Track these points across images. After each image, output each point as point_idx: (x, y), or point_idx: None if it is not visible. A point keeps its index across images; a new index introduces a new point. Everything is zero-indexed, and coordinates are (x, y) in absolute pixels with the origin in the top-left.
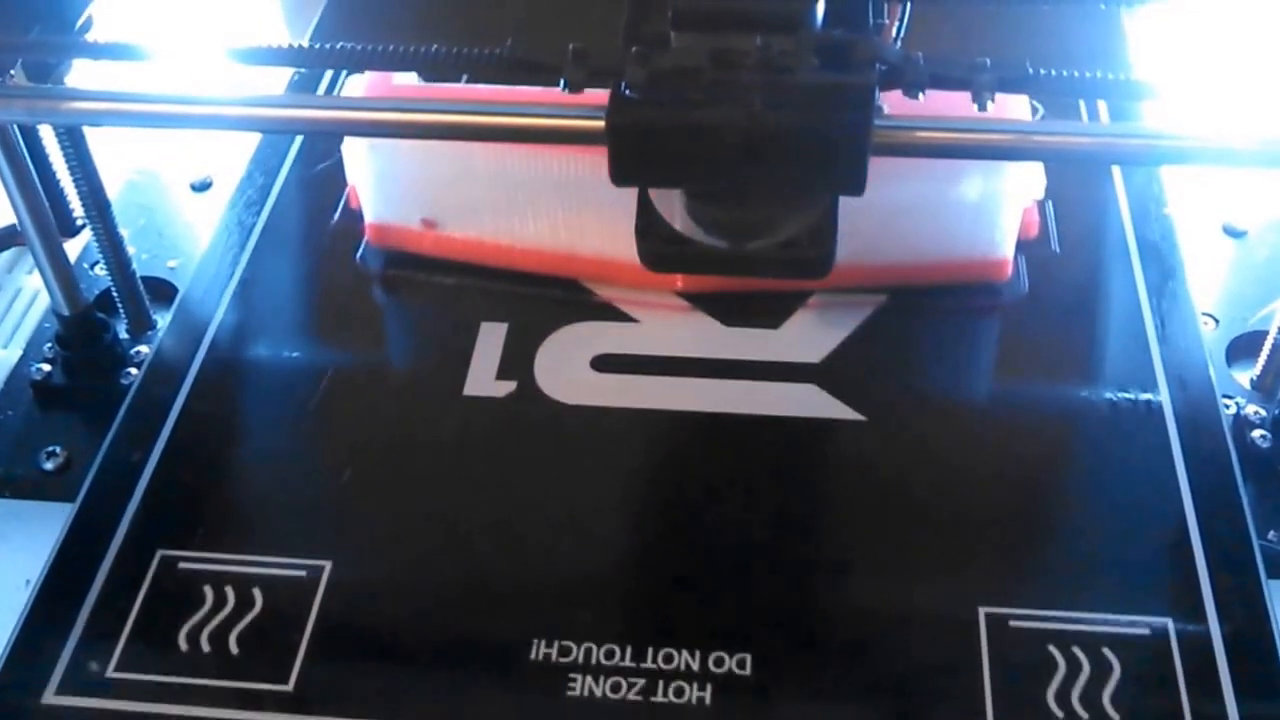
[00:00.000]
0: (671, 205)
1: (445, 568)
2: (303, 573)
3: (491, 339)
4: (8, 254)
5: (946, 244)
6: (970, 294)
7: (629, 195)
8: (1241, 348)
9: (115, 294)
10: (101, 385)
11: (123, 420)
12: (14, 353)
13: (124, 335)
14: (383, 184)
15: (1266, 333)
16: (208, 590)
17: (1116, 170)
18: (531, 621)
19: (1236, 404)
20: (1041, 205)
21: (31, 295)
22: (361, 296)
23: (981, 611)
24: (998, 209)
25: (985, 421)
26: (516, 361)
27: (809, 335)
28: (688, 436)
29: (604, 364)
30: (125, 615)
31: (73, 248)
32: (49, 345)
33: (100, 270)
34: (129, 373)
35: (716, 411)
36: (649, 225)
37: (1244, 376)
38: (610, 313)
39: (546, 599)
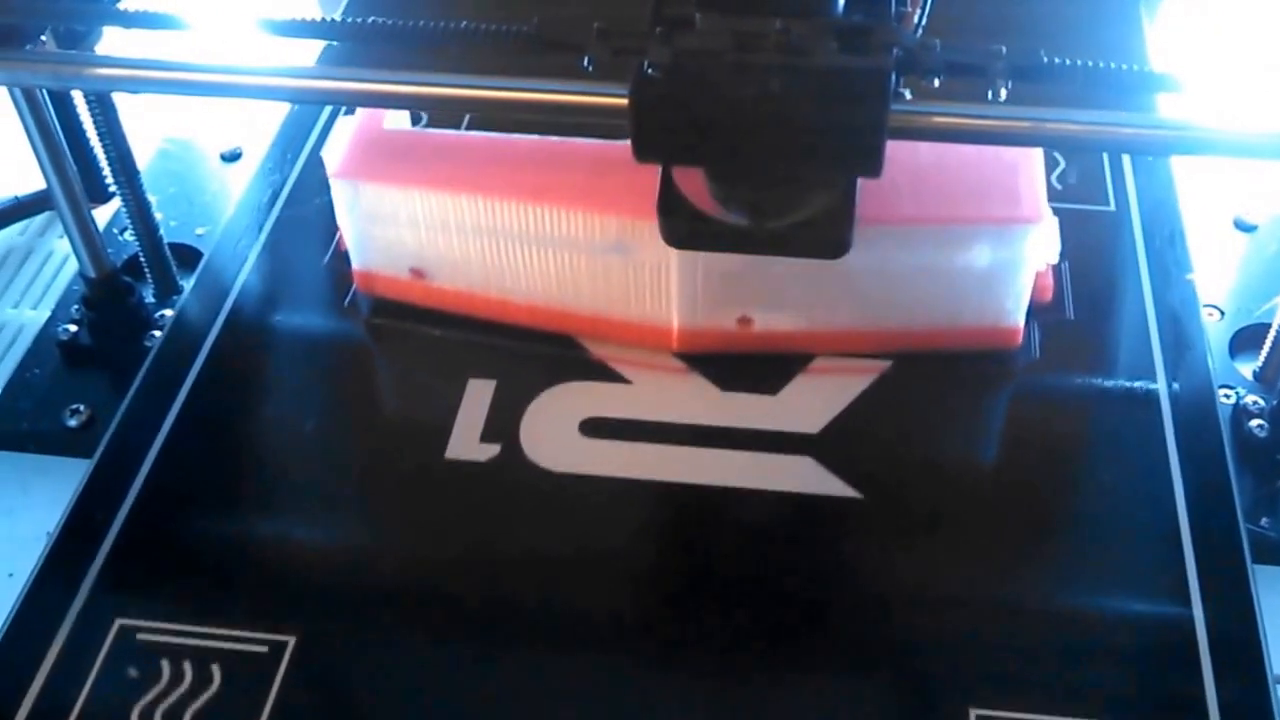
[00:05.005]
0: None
1: (417, 644)
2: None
3: (478, 397)
4: (41, 218)
5: (958, 311)
6: (977, 361)
7: (624, 250)
8: (1246, 340)
9: (143, 259)
10: (126, 346)
11: (142, 381)
12: (43, 313)
13: (151, 300)
14: (369, 231)
15: (1270, 325)
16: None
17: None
18: (506, 702)
19: (1237, 394)
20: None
21: (63, 258)
22: (350, 343)
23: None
24: (1012, 276)
25: (983, 493)
26: (502, 422)
27: (808, 403)
28: (675, 509)
29: (592, 428)
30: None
31: (105, 213)
32: (76, 307)
33: (129, 235)
34: (153, 335)
35: (706, 484)
36: (672, 203)
37: (1247, 368)
38: (603, 372)
39: (522, 677)
